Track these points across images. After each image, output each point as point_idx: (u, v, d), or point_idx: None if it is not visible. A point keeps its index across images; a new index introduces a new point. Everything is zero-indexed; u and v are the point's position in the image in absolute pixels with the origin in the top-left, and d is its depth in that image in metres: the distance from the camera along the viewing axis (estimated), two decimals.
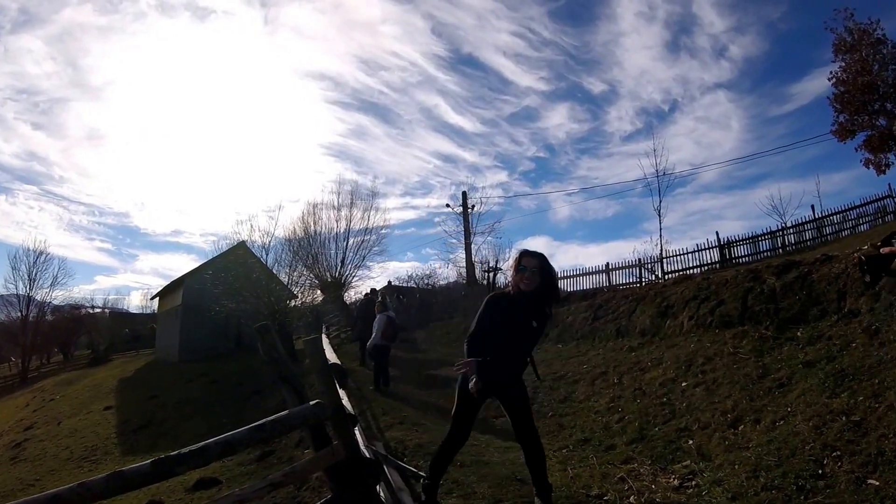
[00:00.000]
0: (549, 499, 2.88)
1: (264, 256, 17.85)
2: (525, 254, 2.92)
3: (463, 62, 71.66)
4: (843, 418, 3.22)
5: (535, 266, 2.86)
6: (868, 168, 15.56)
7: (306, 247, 20.10)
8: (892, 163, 15.14)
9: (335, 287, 20.42)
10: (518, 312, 2.85)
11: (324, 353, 3.00)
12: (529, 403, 3.03)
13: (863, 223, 13.32)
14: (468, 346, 2.87)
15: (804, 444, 3.15)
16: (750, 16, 51.70)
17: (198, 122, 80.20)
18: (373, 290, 15.81)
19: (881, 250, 4.65)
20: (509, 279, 3.02)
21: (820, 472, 2.83)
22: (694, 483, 3.18)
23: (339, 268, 20.71)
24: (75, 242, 70.50)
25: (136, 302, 59.85)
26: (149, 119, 77.96)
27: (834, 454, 2.93)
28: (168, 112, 78.69)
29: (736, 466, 3.20)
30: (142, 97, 77.68)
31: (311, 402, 2.52)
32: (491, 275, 19.78)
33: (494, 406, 5.63)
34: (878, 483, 2.57)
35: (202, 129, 79.10)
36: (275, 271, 17.73)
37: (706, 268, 13.91)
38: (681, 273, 13.03)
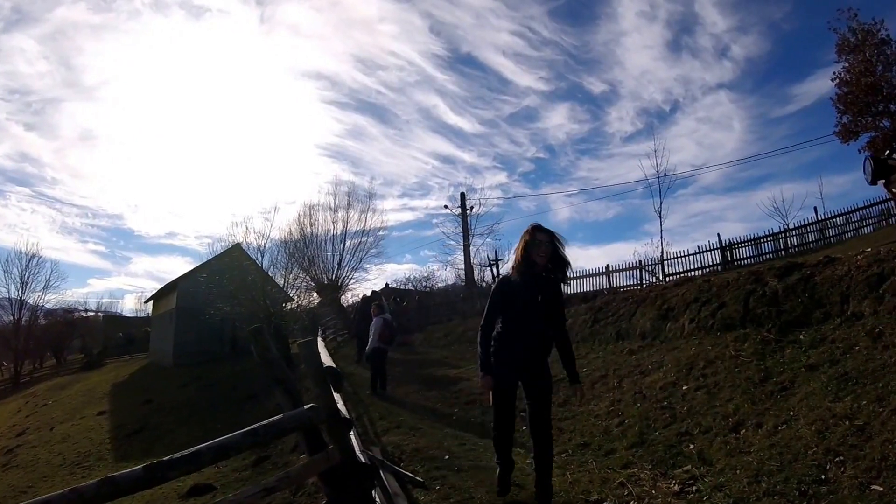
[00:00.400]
0: (549, 501, 2.85)
1: (260, 259, 17.77)
2: (538, 228, 2.98)
3: (462, 62, 71.69)
4: (847, 422, 3.18)
5: (548, 240, 2.93)
6: None
7: (302, 249, 20.11)
8: None
9: (332, 289, 20.37)
10: (526, 290, 2.90)
11: (319, 356, 2.95)
12: (551, 396, 3.05)
13: (866, 226, 13.15)
14: (479, 336, 3.02)
15: (807, 448, 3.11)
16: (752, 15, 51.79)
17: (192, 123, 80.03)
18: (373, 292, 15.78)
19: (889, 161, 4.82)
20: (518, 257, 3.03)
21: (823, 477, 2.79)
22: (695, 488, 3.13)
23: (335, 270, 20.71)
24: (68, 245, 69.91)
25: (129, 305, 59.38)
26: (143, 119, 77.63)
27: (837, 459, 2.89)
28: (162, 112, 78.39)
29: (737, 471, 3.17)
30: (136, 97, 77.47)
31: (306, 406, 2.48)
32: (493, 268, 19.76)
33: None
34: (881, 489, 2.53)
35: (197, 130, 78.82)
36: (270, 274, 17.68)
37: (707, 270, 13.86)
38: (682, 275, 12.97)
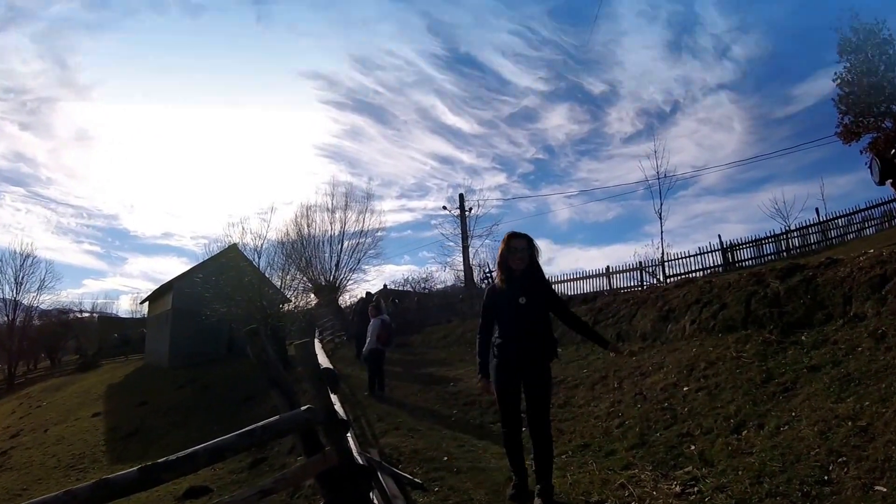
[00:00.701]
0: (550, 501, 2.85)
1: (256, 259, 17.66)
2: (513, 235, 3.11)
3: (460, 61, 71.02)
4: (849, 423, 3.16)
5: (524, 246, 3.05)
6: None
7: (300, 250, 19.99)
8: None
9: (329, 291, 20.29)
10: (513, 295, 3.03)
11: (315, 357, 2.92)
12: (549, 396, 3.13)
13: (869, 227, 13.17)
14: (477, 342, 3.23)
15: (809, 449, 3.09)
16: (753, 15, 51.02)
17: (189, 122, 79.06)
18: (368, 294, 15.71)
19: (895, 160, 4.83)
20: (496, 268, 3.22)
21: (826, 478, 2.77)
22: (696, 489, 3.10)
23: (333, 271, 20.60)
24: (63, 245, 69.24)
25: (125, 306, 59.19)
26: (138, 119, 76.57)
27: (840, 460, 2.87)
28: (158, 112, 77.35)
29: (739, 472, 3.14)
30: (131, 96, 76.61)
31: (303, 408, 2.45)
32: (487, 282, 19.75)
33: (493, 411, 5.54)
34: (885, 489, 2.50)
35: (193, 130, 77.93)
36: (267, 275, 17.56)
37: (708, 271, 13.92)
38: (683, 276, 12.97)
